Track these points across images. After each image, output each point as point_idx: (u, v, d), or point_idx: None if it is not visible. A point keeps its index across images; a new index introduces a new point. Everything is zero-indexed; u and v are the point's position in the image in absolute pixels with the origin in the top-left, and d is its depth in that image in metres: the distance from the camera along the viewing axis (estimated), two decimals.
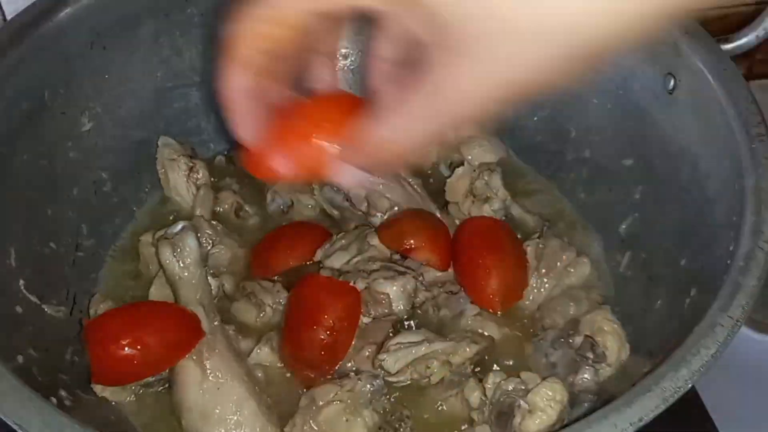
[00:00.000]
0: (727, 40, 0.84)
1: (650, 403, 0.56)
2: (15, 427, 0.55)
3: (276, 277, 0.88)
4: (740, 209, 0.70)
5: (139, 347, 0.72)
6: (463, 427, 0.75)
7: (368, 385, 0.74)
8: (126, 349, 0.72)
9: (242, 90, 0.49)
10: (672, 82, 0.84)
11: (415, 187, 0.93)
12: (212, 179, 0.97)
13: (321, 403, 0.73)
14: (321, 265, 0.85)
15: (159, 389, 0.78)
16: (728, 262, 0.66)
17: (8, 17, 1.00)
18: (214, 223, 0.90)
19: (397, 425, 0.74)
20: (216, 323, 0.77)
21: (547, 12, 0.36)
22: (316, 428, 0.72)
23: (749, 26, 0.84)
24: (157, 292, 0.82)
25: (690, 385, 0.58)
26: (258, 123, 0.51)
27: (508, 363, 0.81)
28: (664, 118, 0.86)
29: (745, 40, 0.84)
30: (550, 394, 0.69)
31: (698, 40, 0.82)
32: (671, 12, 0.37)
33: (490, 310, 0.83)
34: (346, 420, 0.72)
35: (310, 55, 0.51)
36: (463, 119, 0.43)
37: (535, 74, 0.39)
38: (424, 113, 0.43)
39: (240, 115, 0.50)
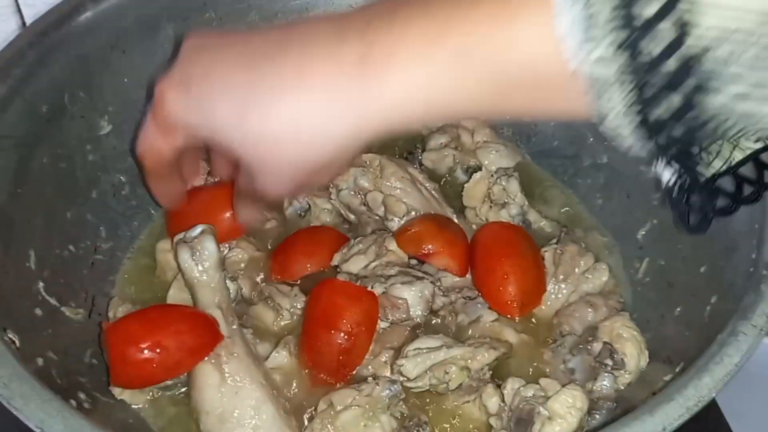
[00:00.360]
0: None
1: (673, 413, 0.56)
2: (37, 430, 0.55)
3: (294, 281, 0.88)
4: (762, 216, 0.69)
5: (158, 350, 0.72)
6: None
7: (386, 390, 0.74)
8: (145, 352, 0.72)
9: (159, 185, 0.77)
10: None
11: (432, 191, 0.93)
12: None
13: (339, 407, 0.73)
14: (338, 270, 0.85)
15: (177, 392, 0.78)
16: (750, 269, 0.66)
17: (27, 21, 1.00)
18: None
19: (415, 430, 0.73)
20: (234, 327, 0.77)
21: (288, 154, 0.57)
22: None
23: None
24: (176, 295, 0.82)
25: (713, 395, 0.57)
26: (175, 199, 0.82)
27: (525, 369, 0.81)
28: None
29: None
30: (570, 401, 0.69)
31: None
32: (371, 135, 0.54)
33: (508, 316, 0.83)
34: (364, 425, 0.72)
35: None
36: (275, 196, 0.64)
37: (296, 180, 0.60)
38: (254, 192, 0.64)
39: (161, 199, 0.81)
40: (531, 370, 0.80)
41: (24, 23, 1.01)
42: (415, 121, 0.53)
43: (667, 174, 0.51)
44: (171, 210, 0.87)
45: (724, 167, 0.50)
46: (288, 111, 0.54)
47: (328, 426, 0.72)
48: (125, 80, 0.92)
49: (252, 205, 0.80)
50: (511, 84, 0.49)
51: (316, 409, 0.75)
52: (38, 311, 0.75)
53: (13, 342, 0.65)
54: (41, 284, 0.77)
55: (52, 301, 0.78)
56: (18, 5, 1.00)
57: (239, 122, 0.57)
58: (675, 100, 0.44)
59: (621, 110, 0.45)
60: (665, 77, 0.43)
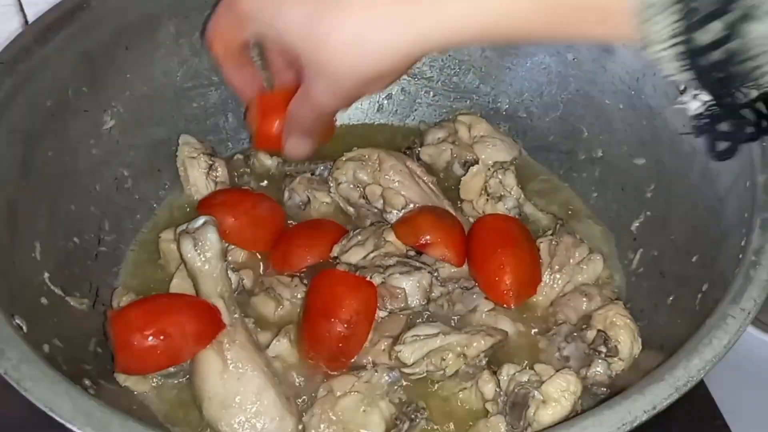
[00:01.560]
0: None
1: (663, 392, 0.57)
2: (46, 410, 0.57)
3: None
4: (751, 206, 0.71)
5: (161, 337, 0.74)
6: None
7: (385, 377, 0.76)
8: (149, 339, 0.73)
9: (232, 74, 0.77)
10: None
11: (430, 185, 0.94)
12: (231, 178, 0.99)
13: (338, 393, 0.74)
14: (337, 261, 0.87)
15: (180, 379, 0.80)
16: (740, 256, 0.67)
17: (30, 19, 1.02)
18: None
19: (412, 416, 0.75)
20: (236, 316, 0.78)
21: (349, 61, 0.60)
22: (333, 418, 0.73)
23: None
24: (179, 284, 0.83)
25: (702, 375, 0.59)
26: (251, 88, 0.81)
27: (521, 357, 0.82)
28: (676, 118, 0.87)
29: None
30: (564, 385, 0.71)
31: None
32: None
33: (504, 306, 0.85)
34: (363, 410, 0.74)
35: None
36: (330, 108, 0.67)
37: (352, 89, 0.62)
38: (308, 101, 0.67)
39: (238, 88, 0.80)
40: (526, 358, 0.82)
41: (27, 22, 1.02)
42: (471, 41, 0.56)
43: (696, 104, 0.53)
44: (251, 101, 0.85)
45: (759, 95, 0.51)
46: (355, 21, 0.58)
47: (328, 411, 0.74)
48: (128, 76, 0.94)
49: (301, 136, 0.77)
50: (564, 6, 0.51)
51: (315, 396, 0.76)
52: (44, 300, 0.77)
53: (21, 328, 0.66)
54: (46, 274, 0.79)
55: (57, 291, 0.80)
56: (21, 4, 1.01)
57: (308, 27, 0.60)
58: (719, 27, 0.46)
59: (666, 35, 0.47)
60: (712, 3, 0.45)
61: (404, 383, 0.78)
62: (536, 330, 0.85)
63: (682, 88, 0.53)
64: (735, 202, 0.75)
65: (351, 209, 0.95)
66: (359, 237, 0.88)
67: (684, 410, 0.64)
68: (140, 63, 0.94)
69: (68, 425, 0.56)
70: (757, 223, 0.68)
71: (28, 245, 0.78)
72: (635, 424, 0.56)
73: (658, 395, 0.57)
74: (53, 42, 0.84)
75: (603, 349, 0.77)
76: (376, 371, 0.76)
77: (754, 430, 0.97)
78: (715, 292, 0.69)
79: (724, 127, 0.54)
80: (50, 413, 0.56)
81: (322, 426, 0.73)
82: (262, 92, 0.82)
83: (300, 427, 0.75)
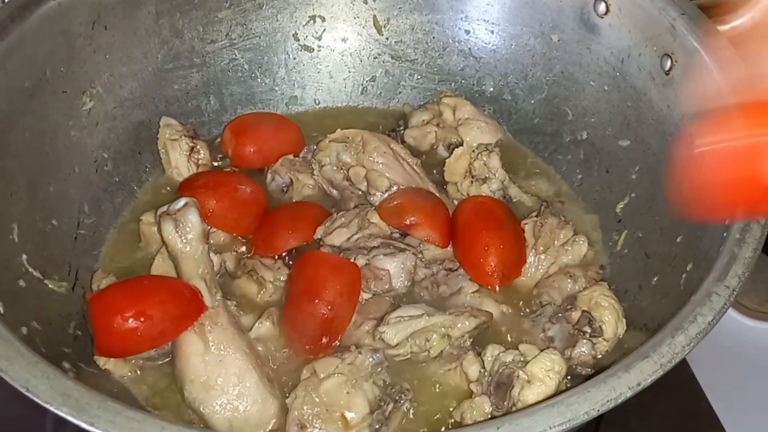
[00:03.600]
0: (723, 21, 0.85)
1: (647, 369, 0.57)
2: (23, 390, 0.56)
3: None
4: None
5: (142, 319, 0.73)
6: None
7: (369, 359, 0.75)
8: (129, 321, 0.72)
9: None
10: (669, 63, 0.85)
11: (414, 167, 0.94)
12: (212, 161, 0.98)
13: (322, 375, 0.74)
14: (321, 243, 0.86)
15: (161, 363, 0.79)
16: (724, 234, 0.67)
17: None
18: None
19: (396, 397, 0.74)
20: (218, 298, 0.77)
21: None
22: (317, 400, 0.73)
23: (745, 7, 0.85)
24: (160, 267, 0.82)
25: (687, 352, 0.59)
26: None
27: (506, 339, 0.82)
28: (661, 98, 0.87)
29: (741, 20, 0.85)
30: (549, 364, 0.70)
31: (695, 21, 0.83)
32: None
33: (489, 287, 0.84)
34: (347, 392, 0.73)
35: None
36: None
37: None
38: None
39: None
40: (511, 339, 0.82)
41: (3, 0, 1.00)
42: None
43: None
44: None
45: None
46: None
47: (311, 393, 0.73)
48: (107, 56, 0.92)
49: None
50: None
51: (299, 378, 0.75)
52: (22, 283, 0.76)
53: None
54: (24, 257, 0.78)
55: (36, 273, 0.78)
56: None
57: None
58: None
59: None
60: None
61: (388, 365, 0.77)
62: (521, 311, 0.84)
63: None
64: None
65: (335, 191, 0.94)
66: (343, 219, 0.87)
67: (669, 392, 0.63)
68: (120, 43, 0.93)
69: (45, 405, 0.55)
70: None
71: (6, 227, 0.77)
72: (620, 401, 0.55)
73: (642, 372, 0.57)
74: (30, 20, 0.83)
75: (587, 329, 0.77)
76: (360, 353, 0.75)
77: (737, 411, 0.97)
78: (700, 271, 0.69)
79: None
80: (27, 393, 0.55)
81: (305, 408, 0.72)
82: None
83: (283, 409, 0.74)
